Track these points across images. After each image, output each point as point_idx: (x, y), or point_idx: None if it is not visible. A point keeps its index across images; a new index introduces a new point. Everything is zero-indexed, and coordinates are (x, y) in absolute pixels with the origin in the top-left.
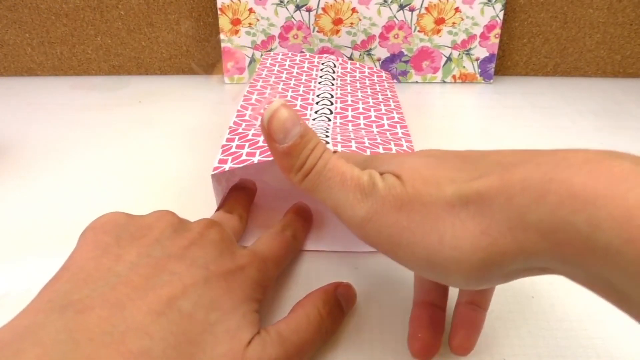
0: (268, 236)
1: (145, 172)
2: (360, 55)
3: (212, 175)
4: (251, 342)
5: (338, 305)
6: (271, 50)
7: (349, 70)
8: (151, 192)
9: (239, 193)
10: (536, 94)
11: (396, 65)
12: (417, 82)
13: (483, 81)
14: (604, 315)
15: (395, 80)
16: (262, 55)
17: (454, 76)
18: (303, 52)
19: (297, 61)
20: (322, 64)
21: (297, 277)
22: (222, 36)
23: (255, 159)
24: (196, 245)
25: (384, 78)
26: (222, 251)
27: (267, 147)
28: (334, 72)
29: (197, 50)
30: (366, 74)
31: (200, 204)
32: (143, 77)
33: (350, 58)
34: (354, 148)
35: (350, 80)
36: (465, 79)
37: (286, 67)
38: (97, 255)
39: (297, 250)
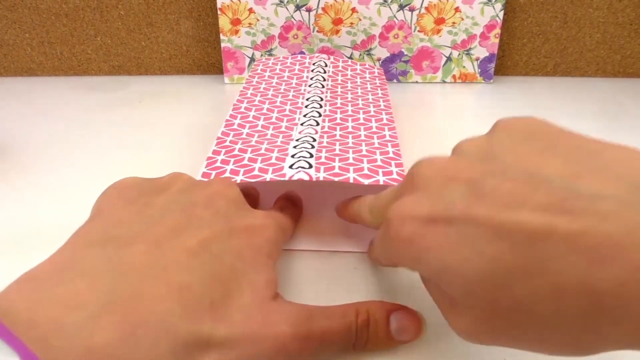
0: (270, 210)
1: (145, 172)
2: (360, 55)
3: None
4: (277, 303)
5: (380, 324)
6: (271, 50)
7: (340, 68)
8: None
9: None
10: (536, 94)
11: (396, 65)
12: (417, 82)
13: (483, 81)
14: None
15: (394, 80)
16: (261, 55)
17: (454, 76)
18: (295, 54)
19: (289, 64)
20: (314, 64)
21: (296, 277)
22: (222, 36)
23: (238, 179)
24: (217, 195)
25: (375, 74)
26: (240, 207)
27: (251, 167)
28: (325, 72)
29: (197, 50)
30: (358, 71)
31: None
32: (143, 77)
33: (350, 58)
34: (336, 169)
35: (341, 80)
36: (465, 79)
37: (277, 71)
38: (125, 203)
39: (293, 232)
